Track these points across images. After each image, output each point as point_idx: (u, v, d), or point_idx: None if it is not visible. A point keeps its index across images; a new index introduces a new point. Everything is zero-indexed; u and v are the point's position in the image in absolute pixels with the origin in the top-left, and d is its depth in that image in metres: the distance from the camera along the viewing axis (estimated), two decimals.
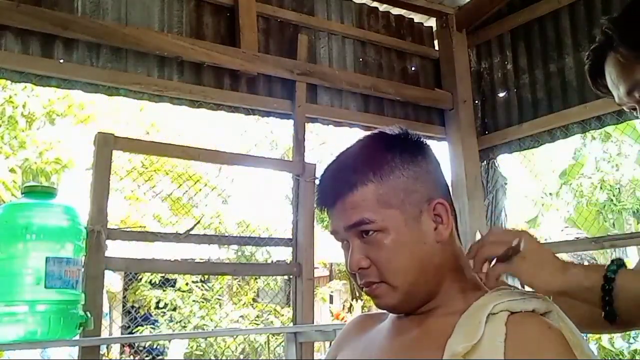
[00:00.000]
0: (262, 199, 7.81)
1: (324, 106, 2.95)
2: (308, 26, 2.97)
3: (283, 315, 7.31)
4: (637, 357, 5.31)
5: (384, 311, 0.93)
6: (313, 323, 2.61)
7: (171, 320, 7.35)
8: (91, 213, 2.16)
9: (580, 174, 8.32)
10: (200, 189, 7.23)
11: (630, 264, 1.04)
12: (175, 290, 7.56)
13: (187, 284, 7.53)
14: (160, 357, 7.89)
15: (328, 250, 6.28)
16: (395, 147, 0.88)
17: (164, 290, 7.54)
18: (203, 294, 7.64)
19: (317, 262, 5.57)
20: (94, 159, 2.23)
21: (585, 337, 0.85)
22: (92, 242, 2.10)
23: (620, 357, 5.40)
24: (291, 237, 2.70)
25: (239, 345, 7.06)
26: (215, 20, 2.71)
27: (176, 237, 2.56)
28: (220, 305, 7.83)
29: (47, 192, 1.98)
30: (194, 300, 7.47)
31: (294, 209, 2.72)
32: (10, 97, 6.50)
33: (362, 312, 8.23)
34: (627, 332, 5.42)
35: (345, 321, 5.88)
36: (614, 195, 8.21)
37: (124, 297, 8.03)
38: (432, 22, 3.48)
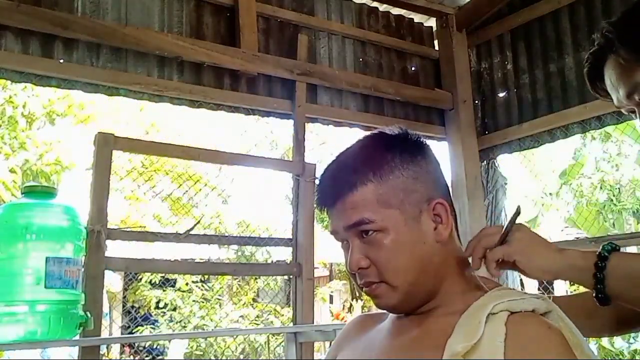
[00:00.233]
0: (262, 199, 7.81)
1: (324, 106, 2.95)
2: (308, 26, 2.98)
3: (283, 315, 7.31)
4: (637, 357, 5.31)
5: (384, 311, 0.93)
6: (313, 323, 2.61)
7: (171, 320, 7.35)
8: (91, 213, 2.16)
9: (580, 174, 8.32)
10: (200, 189, 7.24)
11: None
12: (175, 290, 7.57)
13: (187, 284, 7.54)
14: (160, 357, 7.89)
15: (328, 250, 6.28)
16: (395, 147, 0.88)
17: (164, 290, 7.54)
18: (203, 294, 7.64)
19: (317, 262, 5.57)
20: (94, 159, 2.23)
21: (585, 337, 0.85)
22: (92, 242, 2.10)
23: (620, 357, 5.40)
24: (291, 237, 2.70)
25: (239, 345, 7.07)
26: (215, 20, 2.71)
27: (176, 237, 2.56)
28: (220, 305, 7.83)
29: (47, 192, 1.98)
30: (194, 300, 7.47)
31: (294, 209, 2.72)
32: (10, 97, 6.50)
33: (362, 312, 8.23)
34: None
35: (345, 321, 5.88)
36: (614, 195, 8.21)
37: (124, 297, 8.03)
38: (432, 22, 3.48)
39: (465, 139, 3.27)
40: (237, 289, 8.06)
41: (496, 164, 3.30)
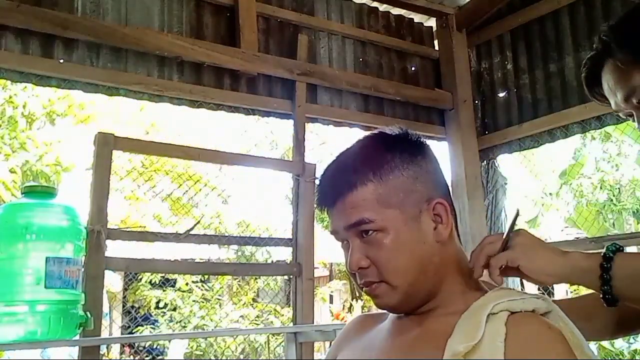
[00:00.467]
0: (262, 199, 7.81)
1: (324, 106, 2.95)
2: (308, 26, 2.97)
3: (283, 315, 7.31)
4: (637, 357, 5.31)
5: (384, 311, 0.93)
6: (313, 323, 2.61)
7: (171, 320, 7.35)
8: (91, 213, 2.16)
9: (580, 174, 8.32)
10: (200, 189, 7.23)
11: None
12: (175, 290, 7.57)
13: (187, 284, 7.54)
14: (160, 357, 7.89)
15: (328, 250, 6.28)
16: (395, 147, 0.88)
17: (164, 290, 7.54)
18: (203, 294, 7.65)
19: (317, 262, 5.57)
20: (94, 159, 2.23)
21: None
22: (92, 242, 2.10)
23: (620, 357, 5.40)
24: (291, 237, 2.70)
25: (239, 345, 7.07)
26: (215, 20, 2.71)
27: (176, 237, 2.56)
28: (220, 305, 7.83)
29: (47, 192, 1.98)
30: (194, 300, 7.47)
31: (294, 209, 2.72)
32: (10, 97, 6.51)
33: (362, 312, 8.23)
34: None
35: (345, 321, 5.88)
36: (614, 195, 8.22)
37: (124, 297, 8.03)
38: (432, 22, 3.48)
39: (465, 139, 3.27)
40: (237, 289, 8.06)
41: (496, 164, 3.30)
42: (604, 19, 2.71)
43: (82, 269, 2.01)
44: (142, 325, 7.29)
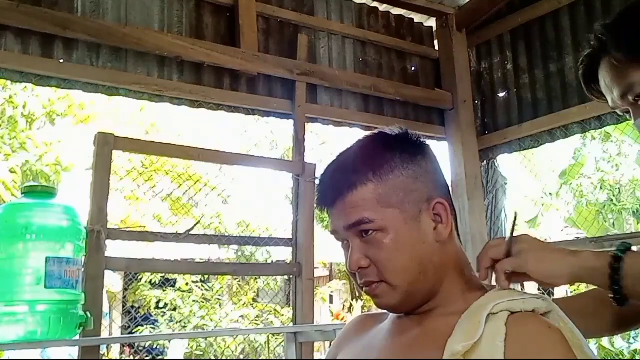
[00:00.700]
0: (262, 199, 7.81)
1: (324, 106, 2.95)
2: (308, 26, 2.98)
3: (283, 315, 7.31)
4: (637, 357, 5.31)
5: (384, 311, 0.93)
6: (313, 323, 2.61)
7: (171, 320, 7.35)
8: (91, 213, 2.16)
9: (580, 174, 8.32)
10: (201, 189, 7.23)
11: None
12: (175, 290, 7.57)
13: (187, 284, 7.54)
14: (160, 357, 7.89)
15: (328, 250, 6.28)
16: (395, 147, 0.88)
17: (164, 290, 7.54)
18: (203, 294, 7.64)
19: (317, 262, 5.56)
20: (94, 159, 2.23)
21: (586, 338, 0.85)
22: (92, 242, 2.10)
23: (620, 357, 5.40)
24: (291, 237, 2.70)
25: (239, 345, 7.07)
26: (215, 20, 2.71)
27: (176, 237, 2.56)
28: (220, 305, 7.83)
29: (47, 192, 1.98)
30: (194, 300, 7.47)
31: (294, 209, 2.72)
32: (10, 97, 6.51)
33: (362, 312, 8.23)
34: (628, 332, 5.42)
35: (345, 321, 5.89)
36: (614, 195, 8.22)
37: (124, 297, 8.03)
38: (432, 22, 3.48)
39: (465, 139, 3.27)
40: (237, 289, 8.06)
41: (496, 164, 3.30)
42: (604, 19, 2.71)
43: (82, 269, 2.01)
44: (142, 325, 7.29)
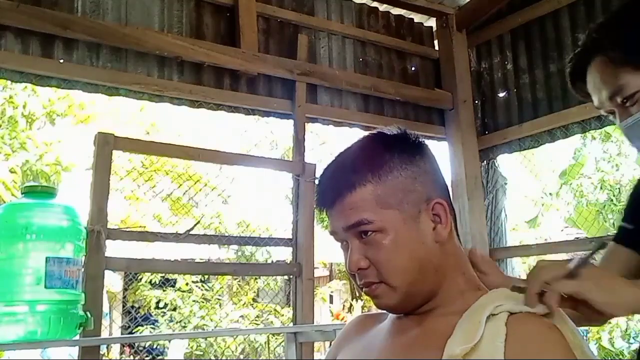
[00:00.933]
0: (262, 199, 7.81)
1: (324, 106, 2.96)
2: (308, 26, 2.98)
3: (283, 315, 7.30)
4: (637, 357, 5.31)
5: (384, 311, 0.93)
6: (313, 323, 2.61)
7: (171, 320, 7.35)
8: (91, 213, 2.16)
9: (580, 174, 8.32)
10: (201, 189, 7.23)
11: None
12: (175, 290, 7.56)
13: (187, 284, 7.53)
14: (160, 357, 7.89)
15: (328, 250, 6.27)
16: (394, 147, 0.88)
17: (164, 290, 7.54)
18: (203, 294, 7.64)
19: (317, 262, 5.56)
20: (94, 159, 2.23)
21: (585, 338, 0.84)
22: (92, 242, 2.10)
23: (620, 357, 5.40)
24: (291, 237, 2.70)
25: (239, 345, 7.06)
26: (215, 20, 2.71)
27: (176, 237, 2.56)
28: (220, 305, 7.83)
29: (47, 192, 1.98)
30: (194, 300, 7.47)
31: (294, 209, 2.72)
32: (10, 97, 6.51)
33: (362, 312, 8.23)
34: (627, 332, 5.41)
35: (345, 321, 5.88)
36: (614, 195, 8.21)
37: (124, 297, 8.03)
38: (432, 22, 3.48)
39: (465, 139, 3.27)
40: (237, 289, 8.06)
41: (496, 164, 3.30)
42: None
43: (82, 269, 2.01)
44: (142, 325, 7.28)
